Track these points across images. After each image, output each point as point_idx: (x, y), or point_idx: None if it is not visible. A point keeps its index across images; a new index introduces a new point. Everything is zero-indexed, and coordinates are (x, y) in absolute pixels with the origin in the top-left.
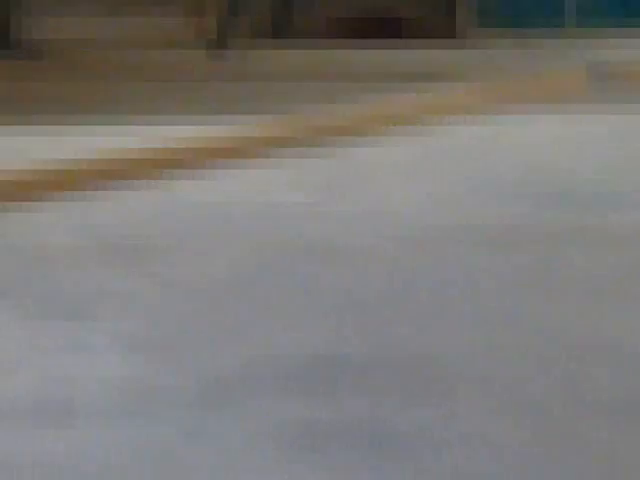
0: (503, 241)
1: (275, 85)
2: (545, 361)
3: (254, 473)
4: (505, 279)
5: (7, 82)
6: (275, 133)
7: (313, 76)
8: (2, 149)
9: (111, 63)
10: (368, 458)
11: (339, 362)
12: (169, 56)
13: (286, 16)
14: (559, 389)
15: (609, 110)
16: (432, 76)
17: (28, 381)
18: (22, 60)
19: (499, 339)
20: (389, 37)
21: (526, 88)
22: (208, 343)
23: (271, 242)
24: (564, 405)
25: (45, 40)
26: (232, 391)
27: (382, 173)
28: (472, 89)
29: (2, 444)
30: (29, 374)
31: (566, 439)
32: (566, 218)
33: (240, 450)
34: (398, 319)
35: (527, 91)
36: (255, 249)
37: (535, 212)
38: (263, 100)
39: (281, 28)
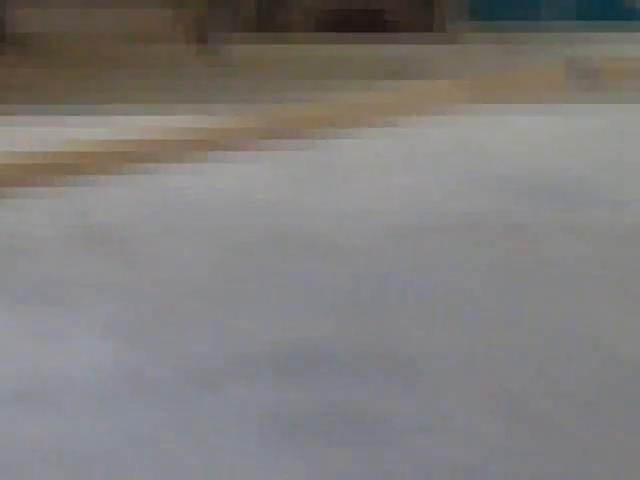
0: (483, 234)
1: (257, 78)
2: (527, 355)
3: (238, 458)
4: (486, 273)
5: None
6: (257, 125)
7: (297, 69)
8: None
9: (92, 56)
10: (346, 445)
11: (309, 351)
12: (151, 49)
13: (270, 9)
14: (536, 382)
15: (588, 108)
16: (411, 70)
17: (7, 367)
18: (6, 54)
19: (488, 336)
20: (372, 31)
21: (502, 84)
22: (190, 331)
23: (253, 234)
24: (539, 397)
25: (29, 34)
26: (216, 379)
27: (363, 167)
28: (449, 84)
29: None
30: (7, 359)
31: (540, 431)
32: (548, 214)
33: (222, 437)
34: (378, 314)
35: (503, 87)
36: (237, 240)
37: (512, 206)
38: (245, 92)
39: (265, 21)
